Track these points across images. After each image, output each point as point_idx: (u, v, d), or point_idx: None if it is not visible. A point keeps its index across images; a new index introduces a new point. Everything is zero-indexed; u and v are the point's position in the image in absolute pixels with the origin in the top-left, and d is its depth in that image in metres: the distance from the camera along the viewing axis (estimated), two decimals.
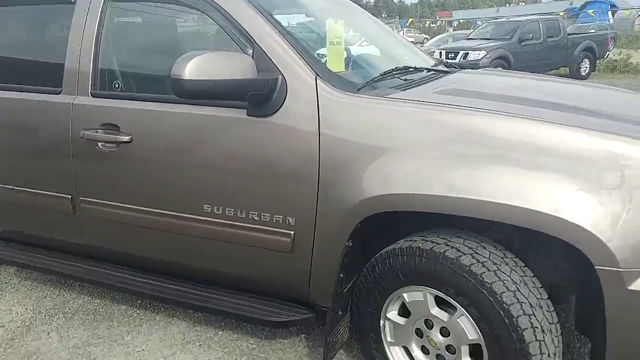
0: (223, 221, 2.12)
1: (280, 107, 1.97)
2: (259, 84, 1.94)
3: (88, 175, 2.37)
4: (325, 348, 2.05)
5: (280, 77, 1.97)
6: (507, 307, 1.65)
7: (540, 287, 1.77)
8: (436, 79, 2.44)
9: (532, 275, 1.78)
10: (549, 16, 15.88)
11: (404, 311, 1.99)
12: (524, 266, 1.80)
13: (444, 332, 1.88)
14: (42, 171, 2.48)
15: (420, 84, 2.26)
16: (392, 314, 2.02)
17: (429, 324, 1.92)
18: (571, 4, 34.75)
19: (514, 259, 1.80)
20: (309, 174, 1.93)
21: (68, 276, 2.64)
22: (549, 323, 1.71)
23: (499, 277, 1.70)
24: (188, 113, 2.12)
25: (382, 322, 2.04)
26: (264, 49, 2.00)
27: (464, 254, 1.76)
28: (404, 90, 2.09)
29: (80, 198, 2.41)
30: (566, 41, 13.81)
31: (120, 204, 2.32)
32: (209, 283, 2.36)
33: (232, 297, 2.25)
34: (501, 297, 1.66)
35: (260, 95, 1.96)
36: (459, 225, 1.92)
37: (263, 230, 2.06)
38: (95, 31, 2.30)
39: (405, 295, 1.93)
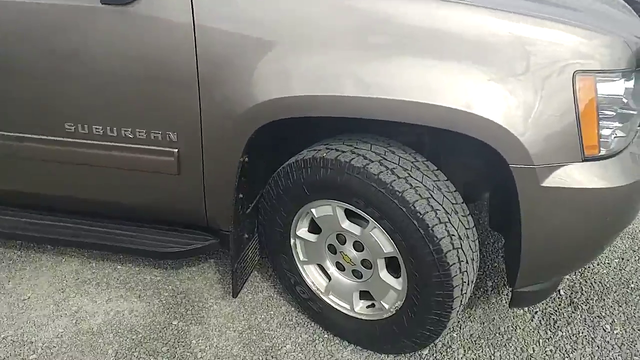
0: (92, 142, 1.76)
1: None
2: None
3: None
4: (233, 276, 1.85)
5: None
6: (421, 216, 1.47)
7: (455, 191, 1.61)
8: None
9: (446, 178, 1.61)
10: None
11: (315, 227, 1.79)
12: (437, 169, 1.61)
13: (358, 246, 1.70)
14: None
15: None
16: (302, 231, 1.81)
17: (341, 239, 1.74)
18: None
19: (426, 163, 1.61)
20: (186, 77, 1.58)
21: None
22: (466, 228, 1.57)
23: (410, 184, 1.50)
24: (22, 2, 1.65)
25: (292, 240, 1.84)
26: None
27: (372, 162, 1.54)
28: None
29: None
30: None
31: None
32: (98, 216, 2.04)
33: (127, 229, 1.96)
34: (414, 206, 1.48)
35: None
36: (370, 129, 1.68)
37: (141, 150, 1.73)
38: None
39: (313, 210, 1.72)
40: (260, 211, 1.85)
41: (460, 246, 1.52)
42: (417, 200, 1.48)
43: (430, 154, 1.66)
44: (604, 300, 2.00)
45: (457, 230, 1.52)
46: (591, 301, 1.99)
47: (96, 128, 1.72)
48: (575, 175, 1.41)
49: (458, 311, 1.61)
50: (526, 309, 1.99)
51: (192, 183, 1.76)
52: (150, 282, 2.24)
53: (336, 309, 1.86)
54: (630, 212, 1.59)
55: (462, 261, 1.53)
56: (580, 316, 1.93)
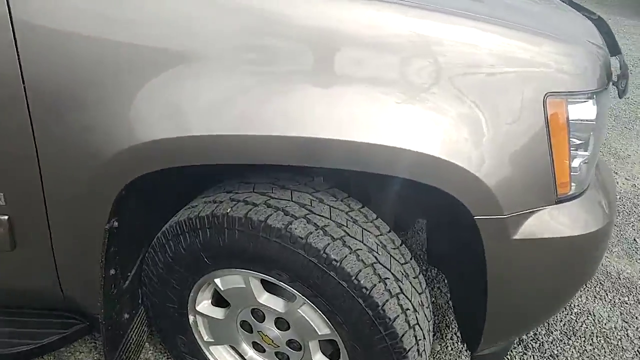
0: None
1: None
2: None
3: None
4: None
5: None
6: (367, 292, 1.10)
7: (401, 245, 1.25)
8: None
9: (388, 229, 1.25)
10: None
11: (221, 299, 1.34)
12: (376, 218, 1.24)
13: (282, 324, 1.29)
14: None
15: None
16: (204, 305, 1.37)
17: (258, 316, 1.31)
18: None
19: (362, 210, 1.24)
20: (13, 117, 1.05)
21: None
22: (419, 293, 1.22)
23: (349, 247, 1.12)
24: None
25: (191, 317, 1.38)
26: None
27: (296, 218, 1.13)
28: None
29: None
30: None
31: None
32: None
33: None
34: (358, 279, 1.10)
35: None
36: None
37: None
38: None
39: (217, 281, 1.28)
40: (145, 282, 1.36)
41: (416, 321, 1.17)
42: (360, 271, 1.10)
43: (354, 187, 1.30)
44: (551, 333, 1.78)
45: (411, 302, 1.17)
46: (540, 337, 1.76)
47: None
48: (549, 223, 1.12)
49: None
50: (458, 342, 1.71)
51: (36, 259, 1.22)
52: None
53: None
54: (599, 260, 1.35)
55: (419, 340, 1.18)
56: (533, 358, 1.69)
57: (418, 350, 1.17)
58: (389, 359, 1.14)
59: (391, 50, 1.01)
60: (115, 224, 1.17)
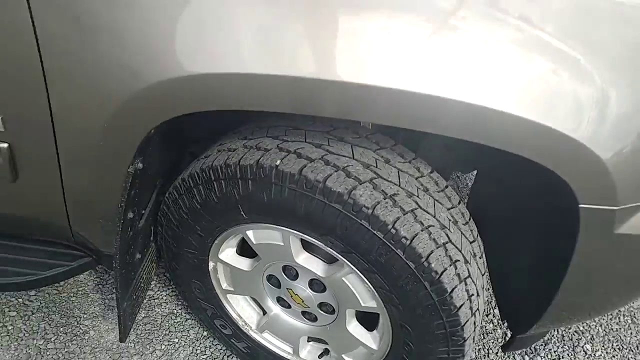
0: None
1: None
2: None
3: None
4: (119, 318, 1.20)
5: None
6: (437, 276, 0.94)
7: (470, 218, 1.09)
8: None
9: (459, 200, 1.07)
10: None
11: (248, 248, 1.18)
12: (446, 186, 1.06)
13: (317, 286, 1.15)
14: None
15: None
16: (228, 254, 1.21)
17: (290, 273, 1.16)
18: None
19: (432, 176, 1.05)
20: (19, 33, 0.79)
21: None
22: (482, 275, 1.08)
23: (422, 223, 0.94)
24: None
25: (210, 264, 1.23)
26: None
27: (360, 182, 0.93)
28: None
29: None
30: None
31: None
32: None
33: None
34: (428, 262, 0.93)
35: None
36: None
37: None
38: None
39: (250, 233, 1.11)
40: (162, 223, 1.19)
41: (477, 306, 1.04)
42: (432, 252, 0.94)
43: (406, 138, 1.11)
44: None
45: (476, 286, 1.03)
46: None
47: None
48: None
49: None
50: (495, 323, 1.64)
51: (41, 192, 1.02)
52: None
53: (272, 352, 1.34)
54: None
55: (476, 327, 1.06)
56: (557, 332, 1.63)
57: (473, 338, 1.06)
58: (444, 345, 1.02)
59: None
60: (140, 165, 0.96)
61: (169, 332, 1.49)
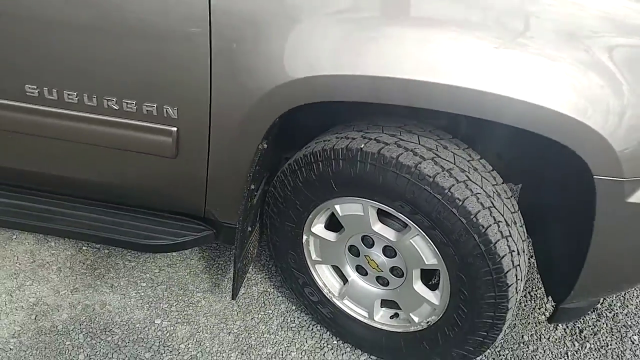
0: (64, 111, 1.37)
1: None
2: None
3: None
4: (234, 276, 1.56)
5: None
6: (483, 230, 1.23)
7: (511, 196, 1.37)
8: None
9: (502, 180, 1.37)
10: None
11: (334, 223, 1.52)
12: (491, 169, 1.36)
13: (389, 252, 1.45)
14: None
15: None
16: (318, 228, 1.54)
17: (367, 242, 1.48)
18: None
19: (481, 161, 1.36)
20: (195, 41, 1.22)
21: None
22: (522, 240, 1.35)
23: (471, 190, 1.25)
24: None
25: (304, 237, 1.57)
26: None
27: (424, 159, 1.26)
28: None
29: None
30: None
31: None
32: (70, 198, 1.67)
33: (103, 215, 1.61)
34: (476, 218, 1.23)
35: None
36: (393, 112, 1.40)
37: (127, 125, 1.36)
38: None
39: (337, 207, 1.44)
40: (269, 202, 1.55)
41: (518, 263, 1.31)
42: (479, 211, 1.24)
43: (464, 139, 1.42)
44: (627, 307, 1.88)
45: (516, 245, 1.30)
46: (614, 308, 1.87)
47: (69, 94, 1.33)
48: None
49: (502, 335, 1.41)
50: (548, 313, 1.84)
51: (191, 169, 1.42)
52: (123, 268, 1.91)
53: (351, 316, 1.62)
54: None
55: (518, 280, 1.32)
56: (606, 325, 1.80)
57: (516, 289, 1.31)
58: (491, 290, 1.29)
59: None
60: (265, 145, 1.35)
61: (264, 305, 1.81)
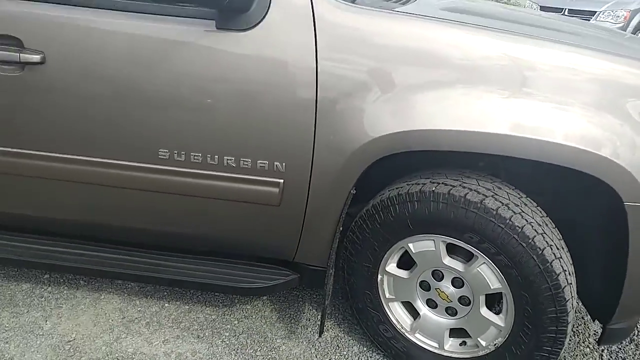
0: (186, 170, 1.69)
1: (263, 18, 1.56)
2: None
3: None
4: (322, 315, 1.78)
5: None
6: (540, 251, 1.52)
7: (554, 227, 1.67)
8: None
9: (546, 214, 1.67)
10: None
11: (405, 262, 1.78)
12: (536, 205, 1.67)
13: (457, 282, 1.71)
14: None
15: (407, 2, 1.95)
16: (392, 266, 1.80)
17: (437, 276, 1.74)
18: None
19: (528, 199, 1.67)
20: (304, 106, 1.58)
21: None
22: (570, 264, 1.62)
23: (526, 220, 1.55)
24: (133, 25, 1.61)
25: (379, 277, 1.82)
26: None
27: (486, 197, 1.57)
28: (403, 4, 1.80)
29: None
30: None
31: (27, 152, 1.75)
32: (163, 249, 1.93)
33: (201, 264, 1.86)
34: (534, 242, 1.52)
35: (236, 3, 1.52)
36: (442, 162, 1.73)
37: (241, 179, 1.68)
38: None
39: (410, 245, 1.72)
40: (347, 245, 1.82)
41: (571, 282, 1.57)
42: (535, 236, 1.53)
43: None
44: None
45: (567, 266, 1.57)
46: None
47: (195, 156, 1.66)
48: None
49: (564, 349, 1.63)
50: (591, 346, 2.04)
51: (291, 214, 1.72)
52: (205, 321, 2.12)
53: (423, 348, 1.83)
54: None
55: (572, 297, 1.57)
56: None
57: (572, 304, 1.56)
58: (552, 305, 1.53)
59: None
60: (354, 190, 1.66)
61: (338, 347, 2.01)
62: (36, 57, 1.61)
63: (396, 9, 1.70)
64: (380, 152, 1.57)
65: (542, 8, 8.55)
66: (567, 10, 8.68)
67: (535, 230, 1.54)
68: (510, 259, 1.55)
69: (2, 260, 1.97)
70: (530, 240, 1.52)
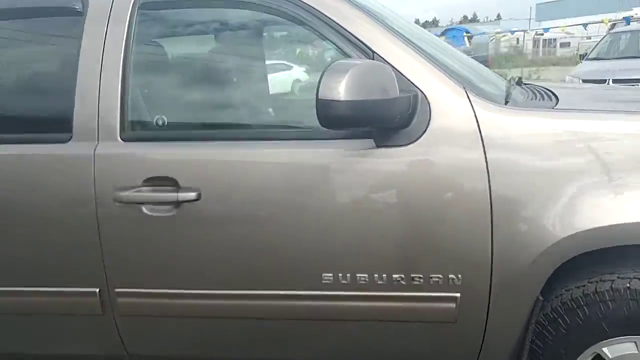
0: (352, 293, 1.56)
1: (424, 132, 1.51)
2: (403, 103, 1.46)
3: (126, 254, 1.64)
4: None
5: (418, 94, 1.51)
6: None
7: None
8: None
9: None
10: None
11: None
12: None
13: None
14: (48, 259, 1.68)
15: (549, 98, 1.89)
16: None
17: None
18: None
19: None
20: (478, 216, 1.48)
21: None
22: None
23: None
24: (288, 153, 1.56)
25: None
26: (391, 63, 1.52)
27: None
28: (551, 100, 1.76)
29: (115, 290, 1.66)
30: None
31: (184, 292, 1.63)
32: None
33: None
34: None
35: (398, 120, 1.47)
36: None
37: (413, 297, 1.54)
38: (123, 50, 1.62)
39: (605, 349, 1.54)
40: (529, 355, 1.64)
41: None
42: None
43: None
44: None
45: None
46: None
47: (360, 276, 1.54)
48: None
49: None
50: None
51: (469, 331, 1.56)
52: None
53: None
54: None
55: None
56: None
57: None
58: None
59: None
60: (541, 297, 1.51)
61: None
62: (192, 195, 1.54)
63: (555, 108, 1.66)
64: (564, 254, 1.45)
65: (585, 82, 8.04)
66: (611, 80, 8.26)
67: None
68: None
69: None
70: None
